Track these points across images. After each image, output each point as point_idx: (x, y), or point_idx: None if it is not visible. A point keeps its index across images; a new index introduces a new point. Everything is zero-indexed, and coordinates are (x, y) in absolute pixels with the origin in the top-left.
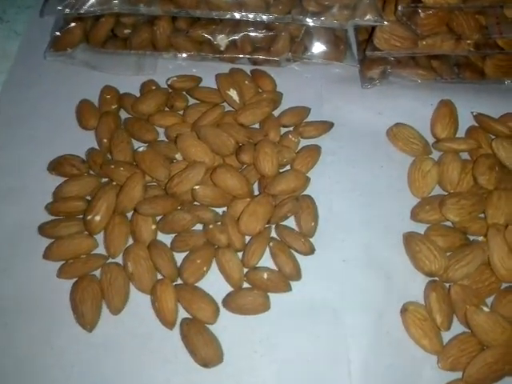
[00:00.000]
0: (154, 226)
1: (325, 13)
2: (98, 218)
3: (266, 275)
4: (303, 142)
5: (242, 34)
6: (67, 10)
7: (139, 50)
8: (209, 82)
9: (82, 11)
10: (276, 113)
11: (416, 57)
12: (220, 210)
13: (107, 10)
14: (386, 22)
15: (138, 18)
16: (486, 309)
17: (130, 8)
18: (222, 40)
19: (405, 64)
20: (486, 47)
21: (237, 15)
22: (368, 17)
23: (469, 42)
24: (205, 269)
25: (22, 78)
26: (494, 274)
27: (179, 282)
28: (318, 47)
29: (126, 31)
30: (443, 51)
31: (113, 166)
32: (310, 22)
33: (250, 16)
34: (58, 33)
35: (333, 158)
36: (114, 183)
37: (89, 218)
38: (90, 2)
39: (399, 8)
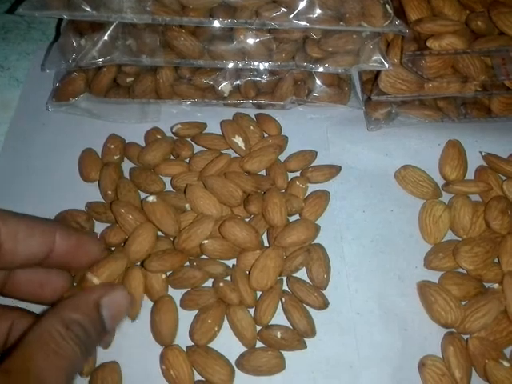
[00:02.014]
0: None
1: (328, 59)
2: None
3: (279, 334)
4: (311, 186)
5: (245, 79)
6: (69, 64)
7: (142, 98)
8: (214, 126)
9: (83, 64)
10: (282, 156)
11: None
12: (229, 262)
13: (109, 61)
14: (390, 67)
15: (141, 66)
16: (505, 363)
17: (132, 59)
18: (225, 87)
19: (411, 105)
20: (492, 88)
21: (240, 64)
22: (372, 62)
23: (475, 83)
24: (216, 329)
25: (24, 129)
26: (511, 324)
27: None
28: (321, 90)
29: (129, 80)
30: (450, 93)
31: (123, 210)
32: (314, 68)
33: (254, 64)
34: (59, 84)
35: (342, 203)
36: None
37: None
38: (90, 55)
39: (405, 57)
